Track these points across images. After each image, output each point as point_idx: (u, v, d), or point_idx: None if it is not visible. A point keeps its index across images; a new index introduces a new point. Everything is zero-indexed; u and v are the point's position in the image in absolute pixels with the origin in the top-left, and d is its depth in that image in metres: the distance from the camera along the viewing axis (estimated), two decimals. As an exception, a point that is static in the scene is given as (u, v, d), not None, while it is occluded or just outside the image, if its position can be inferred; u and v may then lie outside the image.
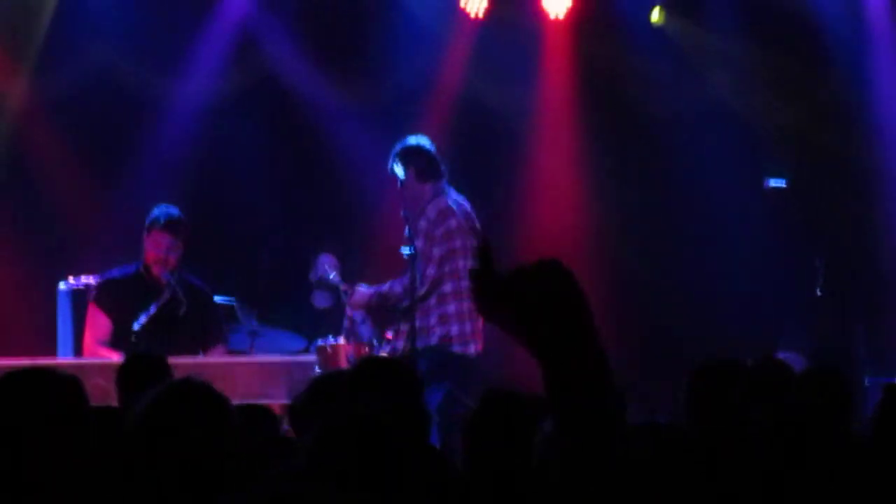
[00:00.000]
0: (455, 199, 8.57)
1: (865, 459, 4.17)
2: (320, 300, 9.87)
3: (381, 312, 8.64)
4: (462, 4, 10.74)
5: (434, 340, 8.37)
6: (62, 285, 8.59)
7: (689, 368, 5.42)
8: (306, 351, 8.78)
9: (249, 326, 8.91)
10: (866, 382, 9.15)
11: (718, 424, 4.90)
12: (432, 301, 8.41)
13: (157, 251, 8.18)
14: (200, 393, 3.46)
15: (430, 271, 8.39)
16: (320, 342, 8.31)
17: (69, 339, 8.49)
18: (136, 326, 7.81)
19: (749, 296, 10.42)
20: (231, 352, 8.52)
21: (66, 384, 3.55)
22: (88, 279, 8.46)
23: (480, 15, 10.73)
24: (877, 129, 10.77)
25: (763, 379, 5.59)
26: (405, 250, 8.35)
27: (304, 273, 10.10)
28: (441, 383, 8.15)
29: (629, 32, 10.92)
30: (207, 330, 8.27)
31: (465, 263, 8.39)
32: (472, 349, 8.41)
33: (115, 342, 8.08)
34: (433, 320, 8.42)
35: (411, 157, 8.49)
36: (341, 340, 8.32)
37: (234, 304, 8.84)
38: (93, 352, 8.11)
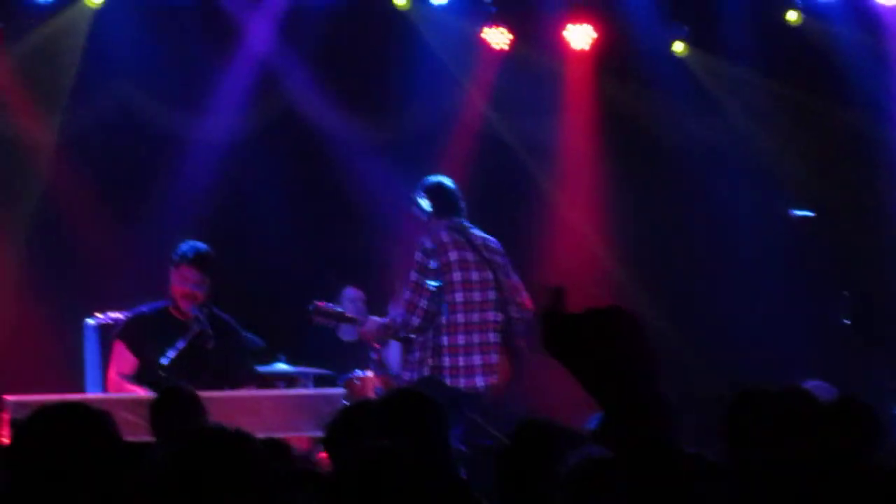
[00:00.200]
0: (473, 234, 8.59)
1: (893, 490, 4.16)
2: (347, 333, 9.89)
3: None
4: (484, 37, 10.79)
5: (426, 371, 8.40)
6: (90, 321, 8.62)
7: (724, 398, 5.40)
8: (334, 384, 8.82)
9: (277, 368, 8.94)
10: (894, 411, 9.13)
11: (755, 455, 4.88)
12: (430, 333, 8.44)
13: (185, 286, 8.18)
14: (228, 446, 3.46)
15: (422, 303, 8.42)
16: (348, 375, 8.34)
17: (97, 374, 8.48)
18: (164, 361, 7.81)
19: (774, 326, 10.40)
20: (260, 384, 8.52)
21: (98, 419, 3.56)
22: (116, 315, 8.49)
23: (504, 47, 10.79)
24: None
25: (791, 409, 5.57)
26: (430, 284, 8.38)
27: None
28: None
29: (651, 65, 10.96)
30: (236, 366, 8.26)
31: (462, 296, 8.42)
32: (463, 383, 8.36)
33: (140, 377, 8.08)
34: (428, 352, 8.46)
35: (429, 193, 8.55)
36: (369, 373, 8.34)
37: (262, 345, 8.85)
38: (118, 386, 8.10)
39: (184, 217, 10.09)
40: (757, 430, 5.17)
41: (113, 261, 10.30)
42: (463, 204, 8.64)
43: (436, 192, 8.56)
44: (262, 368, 8.70)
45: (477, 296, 8.42)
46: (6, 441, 6.98)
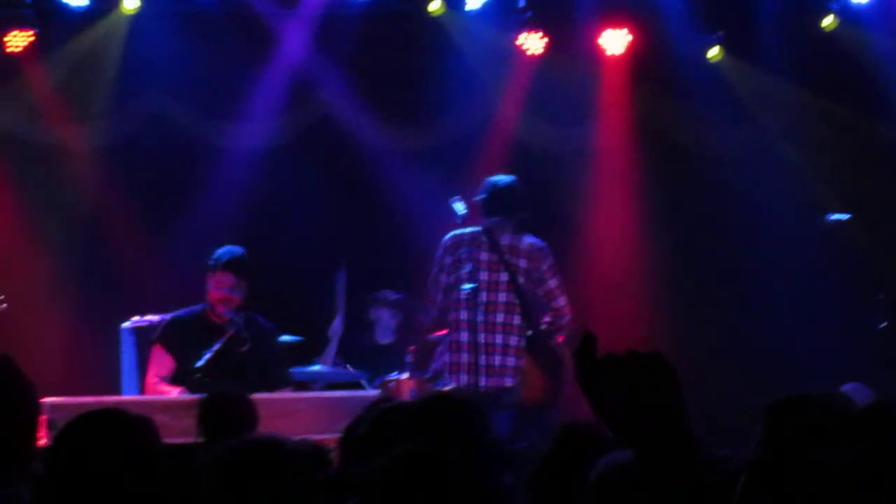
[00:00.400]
0: (504, 236, 8.58)
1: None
2: (383, 336, 9.94)
3: None
4: (519, 43, 10.80)
5: (437, 366, 8.48)
6: (126, 324, 8.67)
7: (763, 404, 5.39)
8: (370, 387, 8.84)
9: (314, 365, 8.97)
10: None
11: (791, 459, 4.86)
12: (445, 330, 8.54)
13: (221, 290, 8.22)
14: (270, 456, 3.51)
15: (439, 298, 8.50)
16: (384, 377, 8.37)
17: (133, 377, 8.53)
18: (200, 363, 7.84)
19: (810, 330, 10.37)
20: (296, 387, 8.56)
21: (138, 424, 3.58)
22: (152, 318, 8.53)
23: (539, 52, 10.79)
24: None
25: (827, 412, 5.54)
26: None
27: (364, 311, 10.18)
28: None
29: (685, 71, 10.95)
30: (272, 369, 8.29)
31: (464, 294, 8.45)
32: (452, 381, 8.40)
33: (176, 381, 8.12)
34: (439, 349, 8.53)
35: (483, 192, 8.61)
36: (404, 376, 8.36)
37: (301, 341, 8.89)
38: (154, 388, 8.15)
39: (219, 223, 10.13)
40: (793, 433, 5.16)
41: (149, 266, 10.36)
42: (509, 206, 8.62)
43: (485, 192, 8.61)
44: (298, 370, 8.74)
45: (484, 296, 8.42)
46: (44, 442, 7.02)
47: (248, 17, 10.58)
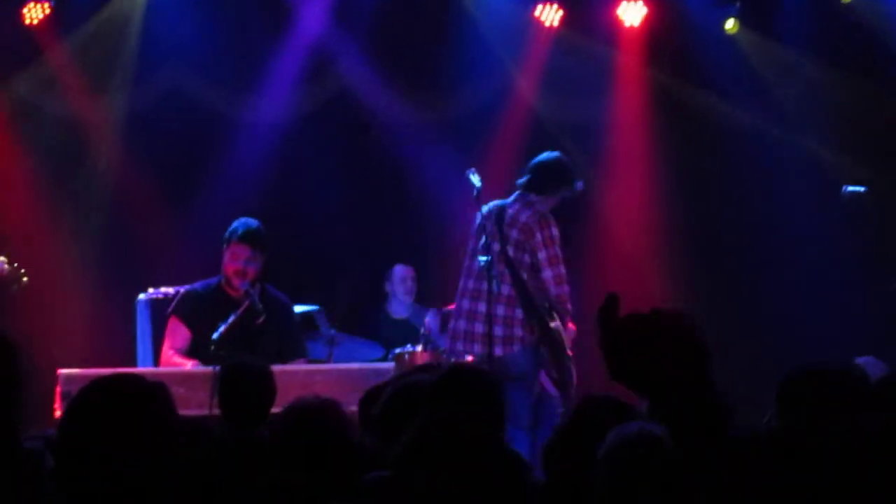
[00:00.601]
0: (509, 207, 8.56)
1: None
2: (397, 310, 9.95)
3: None
4: (536, 15, 10.79)
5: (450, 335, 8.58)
6: (142, 296, 8.68)
7: (777, 375, 5.38)
8: (384, 359, 8.85)
9: (328, 334, 8.98)
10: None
11: (812, 431, 4.84)
12: None
13: (236, 263, 8.21)
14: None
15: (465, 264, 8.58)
16: (398, 350, 8.37)
17: (149, 349, 8.54)
18: (215, 335, 7.85)
19: (828, 304, 10.36)
20: (310, 360, 8.56)
21: (152, 390, 3.57)
22: (168, 290, 8.54)
23: (555, 24, 10.78)
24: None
25: (842, 384, 5.53)
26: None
27: (380, 284, 10.20)
28: None
29: (702, 44, 10.91)
30: (287, 342, 8.30)
31: (469, 263, 8.46)
32: (448, 345, 8.46)
33: (192, 353, 8.13)
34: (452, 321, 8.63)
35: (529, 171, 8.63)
36: (419, 349, 8.37)
37: (317, 311, 8.91)
38: (169, 361, 8.15)
39: (237, 197, 10.14)
40: (808, 404, 5.15)
41: (166, 239, 10.40)
42: (522, 179, 8.61)
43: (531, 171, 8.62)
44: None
45: (476, 265, 8.42)
46: (59, 414, 7.05)
47: (266, -10, 10.61)
